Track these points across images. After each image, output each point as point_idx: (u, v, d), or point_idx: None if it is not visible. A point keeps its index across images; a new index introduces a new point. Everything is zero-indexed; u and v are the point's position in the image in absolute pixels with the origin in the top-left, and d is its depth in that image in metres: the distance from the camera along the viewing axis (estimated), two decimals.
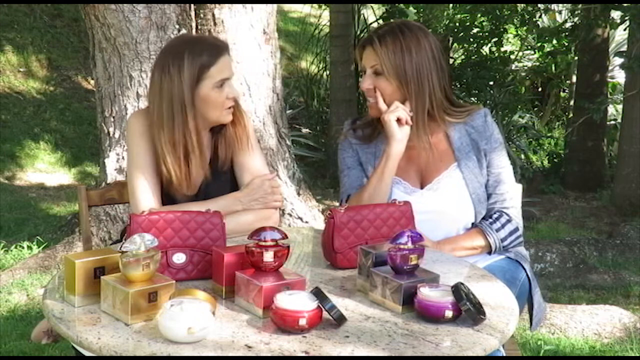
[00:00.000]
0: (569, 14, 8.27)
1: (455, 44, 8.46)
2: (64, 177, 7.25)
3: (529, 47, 9.12)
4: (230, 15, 4.50)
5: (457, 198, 2.40)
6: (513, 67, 8.91)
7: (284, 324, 1.61)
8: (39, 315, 3.86)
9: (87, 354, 1.66)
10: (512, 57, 8.62)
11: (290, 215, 4.71)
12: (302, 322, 1.60)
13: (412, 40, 2.36)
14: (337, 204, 2.70)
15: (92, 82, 7.71)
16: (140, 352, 1.53)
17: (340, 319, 1.66)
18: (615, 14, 6.67)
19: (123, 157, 4.53)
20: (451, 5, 8.12)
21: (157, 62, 2.34)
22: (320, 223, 4.68)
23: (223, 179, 2.40)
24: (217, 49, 2.30)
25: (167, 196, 2.38)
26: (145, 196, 2.31)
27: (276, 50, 4.76)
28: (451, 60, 8.47)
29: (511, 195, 2.46)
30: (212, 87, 2.28)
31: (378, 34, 2.40)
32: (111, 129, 4.58)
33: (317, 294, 1.65)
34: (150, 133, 2.34)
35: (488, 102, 7.83)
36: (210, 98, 2.29)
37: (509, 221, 2.42)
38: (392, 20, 2.60)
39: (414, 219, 2.15)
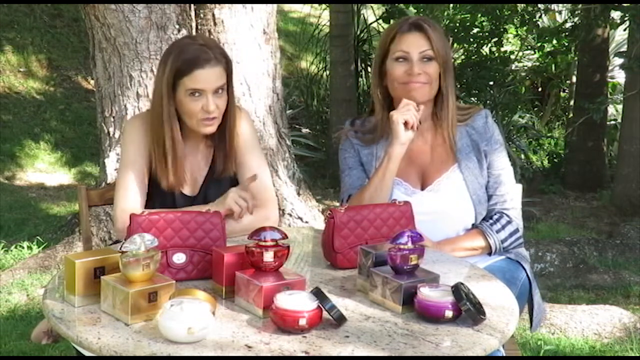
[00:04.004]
0: (569, 14, 8.27)
1: (455, 44, 8.45)
2: (64, 177, 7.25)
3: (529, 47, 9.11)
4: (230, 15, 4.50)
5: (457, 199, 2.41)
6: (513, 67, 8.89)
7: (284, 324, 1.61)
8: (39, 315, 3.86)
9: (87, 354, 1.66)
10: (512, 57, 8.61)
11: (290, 215, 4.70)
12: (302, 322, 1.60)
13: (443, 31, 2.44)
14: (337, 204, 2.70)
15: (92, 82, 7.71)
16: (140, 352, 1.53)
17: (340, 319, 1.66)
18: (615, 14, 6.66)
19: None
20: (451, 5, 8.11)
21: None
22: (320, 223, 4.67)
23: (223, 181, 2.42)
24: (196, 61, 2.25)
25: (167, 196, 2.38)
26: (127, 194, 2.33)
27: (276, 50, 4.76)
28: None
29: (511, 196, 2.47)
30: (185, 94, 2.29)
31: (419, 22, 2.42)
32: (111, 129, 4.58)
33: (317, 294, 1.65)
34: (145, 137, 2.36)
35: (488, 102, 7.82)
36: (184, 104, 2.31)
37: (509, 222, 2.42)
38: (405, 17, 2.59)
39: (414, 219, 2.15)
